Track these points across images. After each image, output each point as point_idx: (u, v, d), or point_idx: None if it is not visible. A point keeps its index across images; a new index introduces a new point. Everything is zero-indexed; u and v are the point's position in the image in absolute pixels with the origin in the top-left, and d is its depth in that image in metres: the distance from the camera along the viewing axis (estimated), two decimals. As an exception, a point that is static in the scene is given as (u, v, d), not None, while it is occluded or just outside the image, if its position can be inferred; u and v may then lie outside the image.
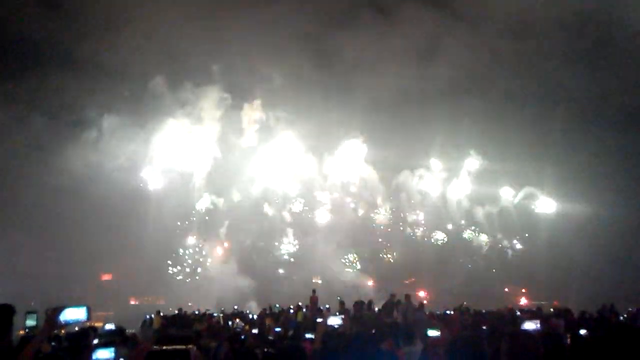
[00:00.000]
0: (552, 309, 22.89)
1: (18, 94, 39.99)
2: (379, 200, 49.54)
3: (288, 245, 45.15)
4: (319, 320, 11.88)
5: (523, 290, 45.82)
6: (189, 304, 32.49)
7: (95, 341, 8.56)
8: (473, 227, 50.07)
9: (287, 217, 46.11)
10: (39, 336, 4.47)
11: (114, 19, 45.59)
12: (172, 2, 46.03)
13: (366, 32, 52.43)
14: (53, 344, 9.16)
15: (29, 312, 8.80)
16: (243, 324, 18.87)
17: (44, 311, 4.17)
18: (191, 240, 43.31)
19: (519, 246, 49.77)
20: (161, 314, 22.62)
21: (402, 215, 50.17)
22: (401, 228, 49.71)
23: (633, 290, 32.89)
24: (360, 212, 48.81)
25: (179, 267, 41.75)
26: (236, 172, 44.82)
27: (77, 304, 4.30)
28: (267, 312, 22.28)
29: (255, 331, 14.57)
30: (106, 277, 41.65)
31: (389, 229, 49.32)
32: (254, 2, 50.29)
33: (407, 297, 17.84)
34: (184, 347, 5.50)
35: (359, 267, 45.12)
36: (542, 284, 42.39)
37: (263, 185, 45.07)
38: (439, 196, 49.93)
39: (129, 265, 37.91)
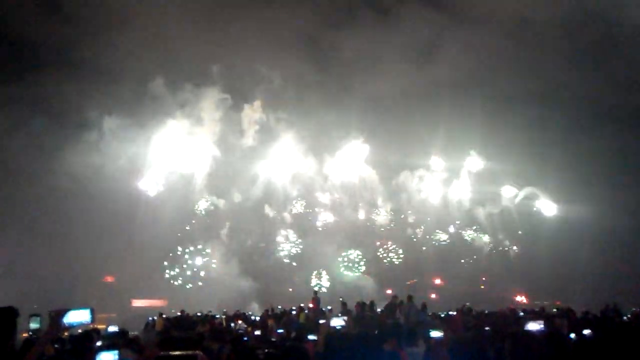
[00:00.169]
0: (554, 309, 22.85)
1: (19, 95, 40.16)
2: (380, 201, 49.57)
3: (289, 246, 45.10)
4: (322, 321, 11.89)
5: (524, 291, 45.75)
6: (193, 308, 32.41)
7: (99, 343, 8.57)
8: (475, 227, 50.04)
9: (288, 218, 46.13)
10: (42, 339, 4.47)
11: (114, 21, 45.81)
12: (172, 4, 46.21)
13: (366, 33, 52.63)
14: (56, 346, 9.15)
15: (33, 315, 8.79)
16: (245, 326, 18.81)
17: (48, 313, 4.15)
18: (192, 241, 43.24)
19: (519, 247, 49.69)
20: (164, 316, 22.60)
21: (402, 216, 50.15)
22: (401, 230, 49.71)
23: (635, 290, 32.83)
24: (361, 212, 48.80)
25: (178, 270, 41.64)
26: (237, 174, 44.87)
27: (80, 306, 4.28)
28: (270, 313, 22.22)
29: (257, 333, 14.58)
30: (109, 279, 41.64)
31: (390, 227, 49.22)
32: (254, 3, 50.50)
33: (410, 298, 17.77)
34: (191, 352, 5.48)
35: (362, 268, 45.02)
36: (544, 284, 42.33)
37: (263, 187, 45.07)
38: (440, 197, 49.91)
39: (132, 267, 37.91)
